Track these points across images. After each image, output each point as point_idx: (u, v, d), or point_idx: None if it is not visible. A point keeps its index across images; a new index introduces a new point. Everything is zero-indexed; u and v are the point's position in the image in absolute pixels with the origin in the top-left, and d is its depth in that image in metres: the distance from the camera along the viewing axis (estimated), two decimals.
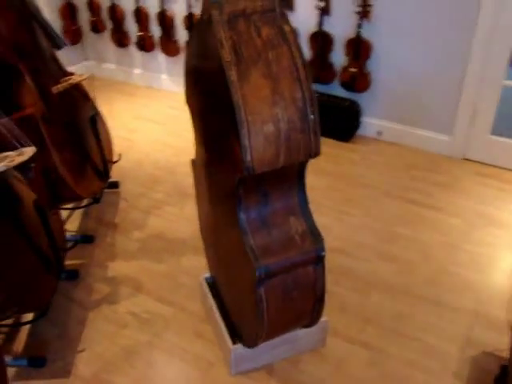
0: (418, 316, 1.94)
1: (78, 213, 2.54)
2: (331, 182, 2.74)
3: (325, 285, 1.48)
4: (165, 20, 3.40)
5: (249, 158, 1.22)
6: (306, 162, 1.36)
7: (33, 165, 1.64)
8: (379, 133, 3.09)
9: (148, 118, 3.49)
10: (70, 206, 2.47)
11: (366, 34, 2.81)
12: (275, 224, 1.41)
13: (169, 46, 3.52)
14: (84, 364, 1.78)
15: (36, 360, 1.77)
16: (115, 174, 2.76)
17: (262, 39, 1.25)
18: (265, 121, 1.22)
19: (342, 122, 3.05)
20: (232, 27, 1.25)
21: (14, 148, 1.64)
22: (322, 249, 1.40)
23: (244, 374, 1.73)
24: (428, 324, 1.91)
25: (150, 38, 3.58)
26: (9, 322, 1.89)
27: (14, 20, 2.00)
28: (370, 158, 2.96)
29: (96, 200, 2.47)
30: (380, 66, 2.90)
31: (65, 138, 2.13)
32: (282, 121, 1.24)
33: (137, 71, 3.94)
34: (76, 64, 3.99)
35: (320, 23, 2.88)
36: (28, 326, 1.93)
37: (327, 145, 3.08)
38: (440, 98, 2.81)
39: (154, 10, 3.44)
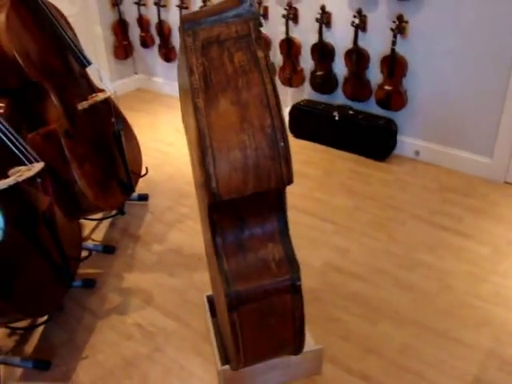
0: (427, 350, 1.84)
1: (106, 223, 2.64)
2: (359, 202, 2.67)
3: (303, 314, 1.44)
4: None
5: (214, 184, 1.23)
6: (282, 188, 1.33)
7: (39, 180, 1.73)
8: (416, 153, 2.98)
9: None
10: (97, 216, 2.58)
11: (402, 50, 2.73)
12: (252, 249, 1.40)
13: None
14: (84, 371, 1.85)
15: (41, 363, 1.86)
16: (146, 186, 2.86)
17: (234, 65, 1.25)
18: (231, 148, 1.22)
19: (377, 140, 2.96)
20: (205, 53, 1.26)
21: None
22: (298, 278, 1.37)
23: None
24: (436, 359, 1.80)
25: None
26: (23, 324, 2.02)
27: (44, 40, 2.13)
28: (403, 178, 2.85)
29: (121, 212, 2.57)
30: (417, 84, 2.79)
31: (87, 152, 2.23)
32: (250, 148, 1.23)
33: None
34: (127, 77, 4.18)
35: (355, 40, 2.83)
36: (41, 329, 2.03)
37: (360, 163, 3.01)
38: (480, 117, 2.66)
39: None
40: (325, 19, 2.90)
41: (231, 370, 1.60)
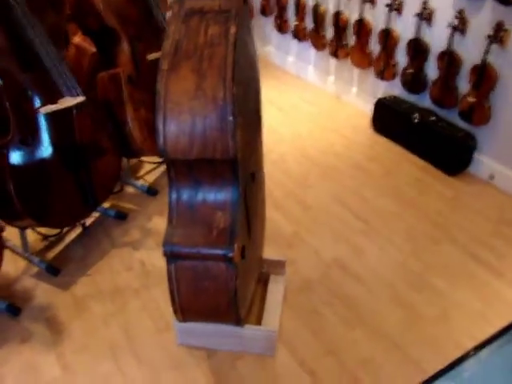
0: (388, 369, 1.77)
1: (162, 168, 2.87)
2: (403, 209, 2.55)
3: (237, 289, 1.49)
4: (316, 14, 3.46)
5: (161, 141, 1.32)
6: (234, 160, 1.38)
7: (74, 111, 1.96)
8: (491, 176, 2.72)
9: (276, 103, 3.64)
10: (158, 160, 2.82)
11: (497, 62, 2.48)
12: (201, 212, 1.47)
13: (317, 39, 3.58)
14: (81, 285, 2.10)
15: (53, 269, 2.15)
16: None
17: (206, 37, 1.31)
18: (182, 112, 1.30)
19: (452, 152, 2.76)
20: (185, 22, 1.34)
21: None
22: (230, 250, 1.42)
23: (187, 347, 1.84)
24: (392, 381, 1.74)
25: (304, 29, 3.69)
26: (55, 232, 2.33)
27: None
28: (463, 199, 2.64)
29: None
30: (505, 101, 2.53)
31: (145, 99, 2.43)
32: (199, 115, 1.29)
33: (290, 58, 4.09)
34: None
35: (450, 42, 2.63)
36: (66, 242, 2.33)
37: (426, 172, 2.84)
38: None
39: (311, 2, 3.53)
40: (425, 15, 2.73)
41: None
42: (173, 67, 1.30)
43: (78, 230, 2.39)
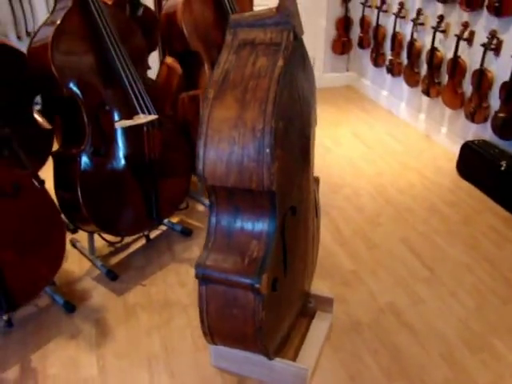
0: None
1: None
2: (475, 261, 2.37)
3: (263, 320, 1.47)
4: (412, 49, 3.37)
5: (200, 167, 1.36)
6: (271, 192, 1.38)
7: (145, 128, 2.07)
8: None
9: (362, 137, 3.58)
10: None
11: None
12: (237, 240, 1.48)
13: (410, 75, 3.48)
14: (134, 294, 2.19)
15: (112, 274, 2.27)
16: None
17: (254, 68, 1.34)
18: (221, 139, 1.33)
19: None
20: (237, 52, 1.38)
21: None
22: (258, 282, 1.41)
23: (220, 369, 1.84)
24: None
25: (399, 64, 3.60)
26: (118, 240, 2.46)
27: (215, 16, 2.45)
28: None
29: None
30: None
31: None
32: (238, 145, 1.32)
33: (384, 93, 4.01)
34: (339, 72, 4.32)
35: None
36: (131, 250, 2.46)
37: (508, 224, 2.62)
38: None
39: (408, 38, 3.45)
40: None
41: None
42: (218, 96, 1.34)
43: (143, 241, 2.51)
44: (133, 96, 2.06)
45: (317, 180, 1.89)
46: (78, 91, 1.97)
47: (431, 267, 2.34)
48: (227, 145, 1.32)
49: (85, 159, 2.00)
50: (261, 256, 1.45)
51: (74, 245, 2.48)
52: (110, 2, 2.24)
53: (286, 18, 1.33)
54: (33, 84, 2.04)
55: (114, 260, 2.40)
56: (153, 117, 2.10)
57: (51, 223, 1.95)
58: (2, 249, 1.80)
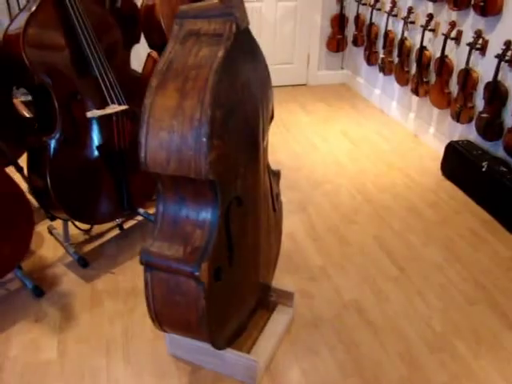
0: None
1: None
2: (448, 263, 2.35)
3: (205, 308, 1.49)
4: (402, 48, 3.35)
5: (142, 154, 1.38)
6: (211, 182, 1.39)
7: (114, 118, 2.10)
8: None
9: (349, 136, 3.57)
10: None
11: None
12: (182, 228, 1.50)
13: (401, 74, 3.46)
14: (103, 281, 2.23)
15: (83, 261, 2.30)
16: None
17: (196, 58, 1.35)
18: (162, 128, 1.34)
19: None
20: (182, 42, 1.39)
21: None
22: (197, 270, 1.42)
23: (176, 358, 1.86)
24: None
25: (391, 62, 3.58)
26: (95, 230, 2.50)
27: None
28: None
29: None
30: None
31: None
32: (176, 133, 1.33)
33: (377, 91, 3.99)
34: (333, 70, 4.31)
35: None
36: (107, 239, 2.49)
37: (487, 226, 2.60)
38: None
39: (399, 36, 3.43)
40: (508, 57, 2.52)
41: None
42: (160, 85, 1.35)
43: (117, 230, 2.54)
44: (103, 87, 2.09)
45: (277, 173, 1.90)
46: (49, 80, 2.00)
47: (402, 266, 2.33)
48: (167, 133, 1.34)
49: (55, 147, 2.03)
50: (202, 245, 1.46)
51: (50, 231, 2.53)
52: None
53: (229, 10, 1.34)
54: (7, 72, 2.09)
55: (87, 248, 2.44)
56: (123, 107, 2.12)
57: (17, 209, 1.99)
58: None
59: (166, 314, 1.58)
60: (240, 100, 1.42)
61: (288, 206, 2.76)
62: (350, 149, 3.41)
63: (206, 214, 1.47)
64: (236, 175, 1.48)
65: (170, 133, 1.33)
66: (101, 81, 2.09)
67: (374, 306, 2.11)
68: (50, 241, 2.49)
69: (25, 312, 2.07)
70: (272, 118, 1.71)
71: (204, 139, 1.31)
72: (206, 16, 1.38)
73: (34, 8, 1.98)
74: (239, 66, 1.40)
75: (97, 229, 2.54)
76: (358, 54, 4.13)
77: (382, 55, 3.65)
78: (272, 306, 2.03)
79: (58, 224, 2.46)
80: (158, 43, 2.49)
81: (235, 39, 1.36)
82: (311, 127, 3.73)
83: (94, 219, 2.28)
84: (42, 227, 2.57)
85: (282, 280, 2.22)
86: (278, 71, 4.31)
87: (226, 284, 1.58)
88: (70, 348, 1.91)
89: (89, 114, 2.09)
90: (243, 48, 1.42)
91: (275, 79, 4.21)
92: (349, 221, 2.65)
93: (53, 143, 2.05)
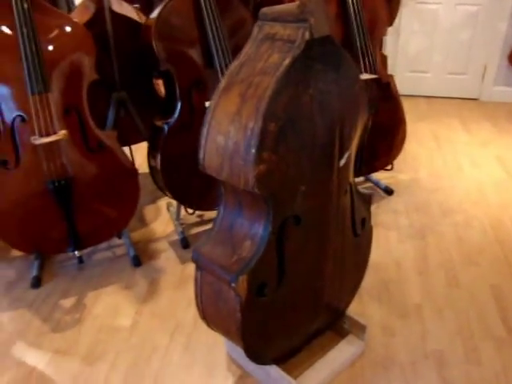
0: None
1: None
2: None
3: (241, 321, 1.44)
4: None
5: (201, 155, 1.38)
6: (260, 195, 1.33)
7: None
8: None
9: (505, 163, 3.12)
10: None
11: None
12: (236, 235, 1.47)
13: None
14: (193, 266, 2.31)
15: (185, 242, 2.43)
16: (393, 183, 2.84)
17: (265, 64, 1.29)
18: (220, 132, 1.32)
19: None
20: (258, 46, 1.34)
21: None
22: (234, 281, 1.38)
23: (231, 359, 1.86)
24: None
25: None
26: None
27: (336, 11, 2.36)
28: None
29: None
30: None
31: None
32: (231, 140, 1.30)
33: None
34: None
35: None
36: None
37: None
38: None
39: None
40: None
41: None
42: (227, 87, 1.32)
43: None
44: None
45: (367, 198, 1.74)
46: (174, 69, 2.11)
47: (511, 327, 1.98)
48: (223, 138, 1.31)
49: (170, 130, 2.15)
50: (248, 257, 1.41)
51: (168, 208, 2.70)
52: None
53: (304, 16, 1.24)
54: (148, 56, 2.25)
55: (195, 230, 2.55)
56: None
57: (126, 181, 2.16)
58: (82, 196, 2.05)
59: (211, 314, 1.58)
60: (306, 114, 1.32)
61: (407, 230, 2.53)
62: (502, 179, 2.97)
63: (258, 227, 1.42)
64: (294, 193, 1.39)
65: (226, 138, 1.30)
66: (220, 74, 2.13)
67: (459, 364, 1.82)
68: (165, 217, 2.66)
69: (119, 277, 2.26)
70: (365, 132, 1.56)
71: (253, 150, 1.25)
72: (282, 20, 1.30)
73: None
74: (310, 77, 1.30)
75: (211, 214, 2.63)
76: None
77: None
78: (344, 333, 1.90)
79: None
80: None
81: (308, 48, 1.26)
82: (465, 147, 3.34)
83: (198, 205, 2.36)
84: (162, 202, 2.76)
85: (367, 309, 2.05)
86: (448, 81, 3.95)
87: (273, 302, 1.51)
88: (144, 320, 2.03)
89: (207, 104, 2.16)
90: (320, 58, 1.31)
91: (443, 89, 3.93)
92: (469, 260, 2.33)
93: (168, 127, 2.16)
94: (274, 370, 1.68)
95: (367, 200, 1.73)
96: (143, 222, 2.66)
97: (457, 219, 2.61)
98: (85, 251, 2.39)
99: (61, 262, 2.36)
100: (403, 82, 4.13)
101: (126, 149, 2.81)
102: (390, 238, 2.48)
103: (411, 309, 2.07)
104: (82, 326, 2.01)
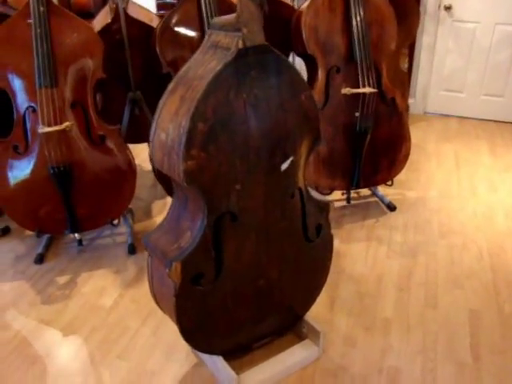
0: None
1: None
2: None
3: (175, 306, 1.55)
4: None
5: (150, 149, 1.51)
6: (193, 190, 1.44)
7: None
8: None
9: None
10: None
11: None
12: (180, 226, 1.58)
13: None
14: None
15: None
16: (399, 200, 2.82)
17: (205, 69, 1.40)
18: (163, 129, 1.44)
19: None
20: (205, 53, 1.46)
21: None
22: (168, 266, 1.49)
23: (193, 350, 1.96)
24: None
25: None
26: None
27: (341, 23, 2.40)
28: None
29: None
30: None
31: (325, 131, 2.48)
32: (169, 137, 1.41)
33: None
34: None
35: None
36: None
37: None
38: None
39: None
40: None
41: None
42: (173, 89, 1.44)
43: None
44: None
45: (324, 206, 1.78)
46: (174, 73, 2.27)
47: (479, 356, 1.92)
48: (164, 135, 1.43)
49: None
50: (185, 247, 1.52)
51: None
52: None
53: (238, 25, 1.34)
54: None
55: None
56: None
57: (123, 174, 2.33)
58: (81, 184, 2.25)
59: (159, 296, 1.71)
60: (239, 117, 1.41)
61: (400, 247, 2.52)
62: None
63: (197, 220, 1.52)
64: (228, 191, 1.48)
65: (167, 135, 1.42)
66: None
67: None
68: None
69: (112, 262, 2.43)
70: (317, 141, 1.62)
71: (182, 147, 1.36)
72: (225, 29, 1.41)
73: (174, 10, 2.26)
74: (245, 83, 1.39)
75: None
76: None
77: None
78: (303, 337, 1.95)
79: None
80: (301, 52, 2.52)
81: (241, 55, 1.36)
82: (486, 171, 3.24)
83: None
84: (169, 198, 2.91)
85: (335, 317, 2.09)
86: (484, 103, 3.83)
87: (212, 293, 1.60)
88: (123, 303, 2.19)
89: None
90: (256, 66, 1.39)
91: (477, 111, 3.82)
92: (454, 283, 2.28)
93: None
94: (220, 362, 1.77)
95: (324, 207, 1.77)
96: (149, 215, 2.83)
97: (454, 241, 2.55)
98: (88, 236, 2.60)
99: (65, 243, 2.58)
100: (436, 100, 4.06)
101: (140, 145, 3.04)
102: (379, 253, 2.48)
103: (379, 323, 2.07)
104: (68, 301, 2.20)
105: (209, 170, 1.41)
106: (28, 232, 2.61)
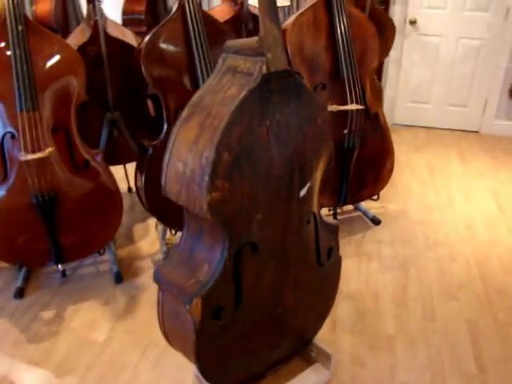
0: None
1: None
2: None
3: (195, 343, 1.48)
4: None
5: (163, 180, 1.43)
6: (217, 222, 1.37)
7: None
8: None
9: (499, 198, 3.11)
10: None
11: None
12: (195, 259, 1.51)
13: None
14: None
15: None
16: (382, 213, 2.85)
17: (224, 95, 1.34)
18: (179, 159, 1.37)
19: None
20: (221, 77, 1.40)
21: None
22: (188, 303, 1.41)
23: (199, 381, 1.87)
24: None
25: None
26: None
27: (326, 40, 2.40)
28: None
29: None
30: None
31: None
32: (189, 167, 1.34)
33: None
34: None
35: None
36: None
37: None
38: None
39: None
40: None
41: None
42: (188, 116, 1.38)
43: None
44: None
45: (334, 227, 1.76)
46: (160, 93, 2.18)
47: (484, 366, 1.95)
48: (182, 165, 1.36)
49: (152, 153, 2.21)
50: (204, 281, 1.45)
51: (156, 227, 2.75)
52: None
53: (261, 50, 1.30)
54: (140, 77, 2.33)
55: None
56: None
57: (110, 200, 2.22)
58: (66, 212, 2.12)
59: (171, 333, 1.62)
60: (263, 145, 1.36)
61: (390, 262, 2.54)
62: (493, 215, 2.96)
63: (216, 252, 1.46)
64: (250, 221, 1.43)
65: (185, 165, 1.35)
66: None
67: None
68: (153, 236, 2.72)
69: (100, 292, 2.31)
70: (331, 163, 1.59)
71: (206, 178, 1.29)
72: (243, 53, 1.36)
73: (160, 27, 2.18)
74: (268, 109, 1.34)
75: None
76: None
77: None
78: (312, 361, 1.91)
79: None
80: None
81: (265, 81, 1.31)
82: (459, 180, 3.34)
83: (179, 226, 2.40)
84: (151, 221, 2.81)
85: (339, 337, 2.06)
86: (449, 113, 3.97)
87: (230, 326, 1.54)
88: (117, 337, 2.07)
89: None
90: (278, 91, 1.35)
91: (443, 121, 3.94)
92: (448, 295, 2.32)
93: (153, 148, 2.23)
94: None
95: (334, 229, 1.75)
96: (131, 240, 2.72)
97: (441, 253, 2.60)
98: (70, 265, 2.45)
99: (46, 274, 2.42)
100: (403, 112, 4.16)
101: (120, 167, 2.92)
102: (371, 268, 2.49)
103: (383, 340, 2.07)
104: (57, 338, 2.06)
105: (232, 201, 1.35)
106: (3, 264, 2.43)
